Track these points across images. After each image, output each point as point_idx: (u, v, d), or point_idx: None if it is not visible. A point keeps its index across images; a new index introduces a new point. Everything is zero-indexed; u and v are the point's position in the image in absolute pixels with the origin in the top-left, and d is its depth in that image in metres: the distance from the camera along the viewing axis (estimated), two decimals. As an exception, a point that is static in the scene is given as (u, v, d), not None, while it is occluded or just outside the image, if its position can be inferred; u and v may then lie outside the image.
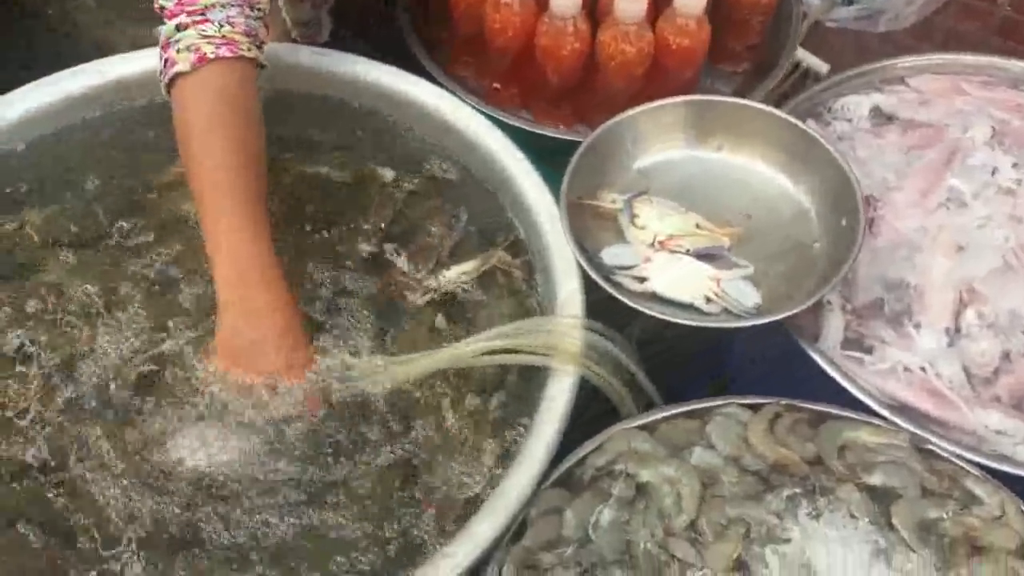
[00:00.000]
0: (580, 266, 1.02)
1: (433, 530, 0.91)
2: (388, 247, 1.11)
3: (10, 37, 1.61)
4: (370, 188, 1.16)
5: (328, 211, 1.14)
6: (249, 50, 0.98)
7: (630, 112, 1.15)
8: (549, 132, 1.24)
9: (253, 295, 0.94)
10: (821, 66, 1.44)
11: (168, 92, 0.99)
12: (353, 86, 1.21)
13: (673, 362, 1.14)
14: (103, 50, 1.33)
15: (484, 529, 0.85)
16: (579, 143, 1.12)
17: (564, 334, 0.97)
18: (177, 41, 0.96)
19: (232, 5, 0.99)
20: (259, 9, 1.01)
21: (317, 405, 0.96)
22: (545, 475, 0.90)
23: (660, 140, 1.17)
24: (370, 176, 1.17)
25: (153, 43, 1.22)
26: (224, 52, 0.96)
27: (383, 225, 1.12)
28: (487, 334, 0.97)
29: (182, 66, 0.95)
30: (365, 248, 1.10)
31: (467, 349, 0.97)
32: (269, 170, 1.02)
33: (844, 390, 1.00)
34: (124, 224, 1.12)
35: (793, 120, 1.13)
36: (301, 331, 0.97)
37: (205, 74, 0.96)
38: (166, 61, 0.98)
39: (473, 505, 0.91)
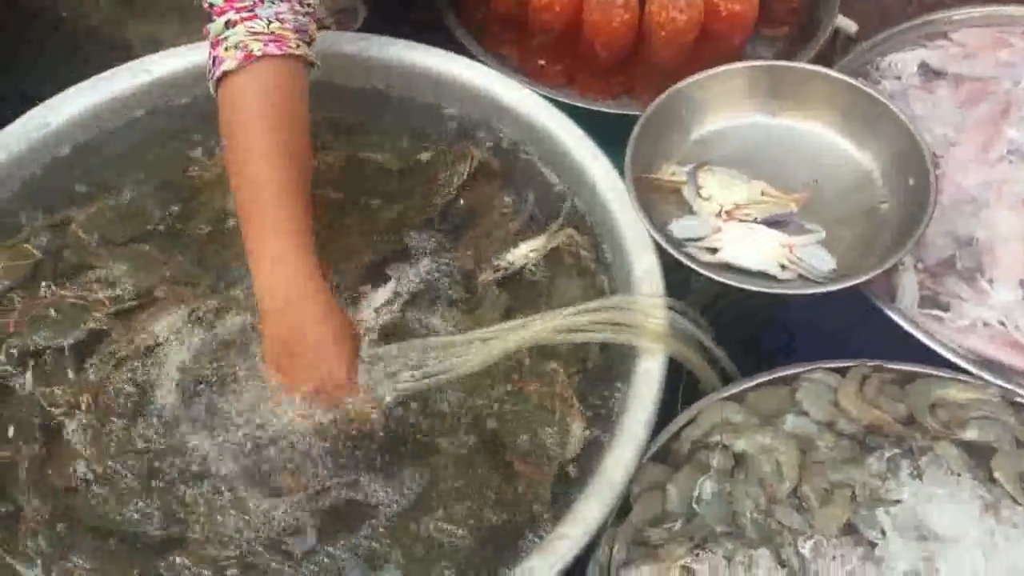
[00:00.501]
0: (655, 241, 1.01)
1: (532, 509, 0.91)
2: (451, 228, 1.10)
3: (24, 39, 1.57)
4: (425, 171, 1.15)
5: (383, 196, 1.13)
6: (298, 47, 0.96)
7: (685, 82, 1.13)
8: (606, 108, 1.23)
9: (297, 305, 0.90)
10: (850, 26, 1.42)
11: (216, 91, 0.97)
12: (400, 71, 1.19)
13: (728, 331, 1.13)
14: (117, 49, 1.32)
15: (593, 511, 0.85)
16: (635, 117, 1.10)
17: (647, 312, 0.96)
18: (225, 39, 0.94)
19: (282, 0, 0.96)
20: (308, 5, 0.99)
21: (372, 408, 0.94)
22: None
23: (715, 109, 1.16)
24: (424, 159, 1.16)
25: (165, 43, 1.22)
26: (272, 49, 0.94)
27: (443, 207, 1.12)
28: (571, 309, 0.96)
29: (229, 64, 0.93)
30: (427, 230, 1.09)
31: (551, 324, 0.95)
32: (320, 156, 1.00)
33: (918, 349, 1.00)
34: (169, 220, 1.11)
35: (852, 81, 1.12)
36: (348, 340, 0.93)
37: (252, 72, 0.94)
38: (214, 60, 0.95)
39: (564, 480, 0.92)
